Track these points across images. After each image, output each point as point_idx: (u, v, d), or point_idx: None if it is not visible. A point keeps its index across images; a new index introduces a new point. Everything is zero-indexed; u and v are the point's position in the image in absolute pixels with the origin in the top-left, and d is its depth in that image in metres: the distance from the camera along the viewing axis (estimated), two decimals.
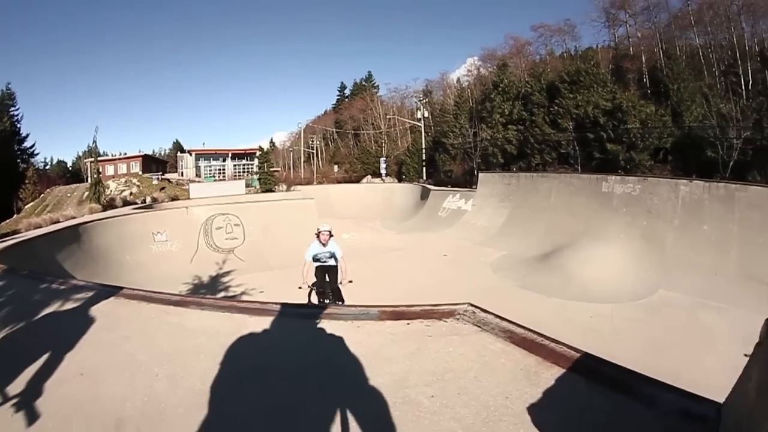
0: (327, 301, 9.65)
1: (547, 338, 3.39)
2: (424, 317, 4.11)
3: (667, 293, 12.15)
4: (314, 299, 10.05)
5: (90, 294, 5.82)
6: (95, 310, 5.14)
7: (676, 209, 14.96)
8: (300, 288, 9.43)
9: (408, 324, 4.01)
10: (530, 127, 36.10)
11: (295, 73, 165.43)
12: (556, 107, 34.72)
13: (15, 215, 43.93)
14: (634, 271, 13.62)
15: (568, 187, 19.01)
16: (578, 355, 3.07)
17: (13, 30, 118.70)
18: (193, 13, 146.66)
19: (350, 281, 9.89)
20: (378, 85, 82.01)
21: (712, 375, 6.14)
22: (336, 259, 9.95)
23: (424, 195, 28.54)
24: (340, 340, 3.78)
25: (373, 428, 2.57)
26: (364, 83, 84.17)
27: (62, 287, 6.41)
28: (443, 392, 2.84)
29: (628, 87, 35.93)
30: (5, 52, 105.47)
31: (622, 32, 45.97)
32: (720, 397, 2.25)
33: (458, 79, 62.78)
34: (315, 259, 9.87)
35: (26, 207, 48.11)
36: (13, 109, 54.64)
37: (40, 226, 19.19)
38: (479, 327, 3.78)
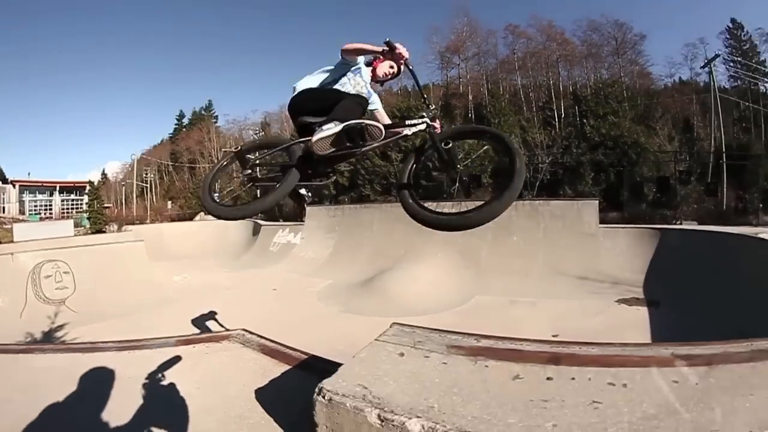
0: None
1: (289, 347, 5.11)
2: (207, 341, 5.45)
3: (482, 297, 13.24)
4: None
5: None
6: None
7: (488, 226, 16.14)
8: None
9: (194, 347, 5.21)
10: (361, 159, 37.06)
11: (132, 98, 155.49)
12: None
13: None
14: (452, 283, 14.66)
15: (388, 215, 19.79)
16: (305, 357, 4.70)
17: None
18: (18, 34, 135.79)
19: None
20: (217, 116, 79.96)
21: None
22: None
23: (256, 230, 28.37)
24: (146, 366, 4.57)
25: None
26: (203, 112, 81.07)
27: None
28: (204, 384, 4.07)
29: (454, 121, 38.57)
30: None
31: (454, 73, 49.56)
32: None
33: None
34: None
35: None
36: None
37: None
38: (243, 345, 5.21)
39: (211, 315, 13.96)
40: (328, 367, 3.32)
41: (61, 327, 15.02)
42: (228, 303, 15.72)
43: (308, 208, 24.30)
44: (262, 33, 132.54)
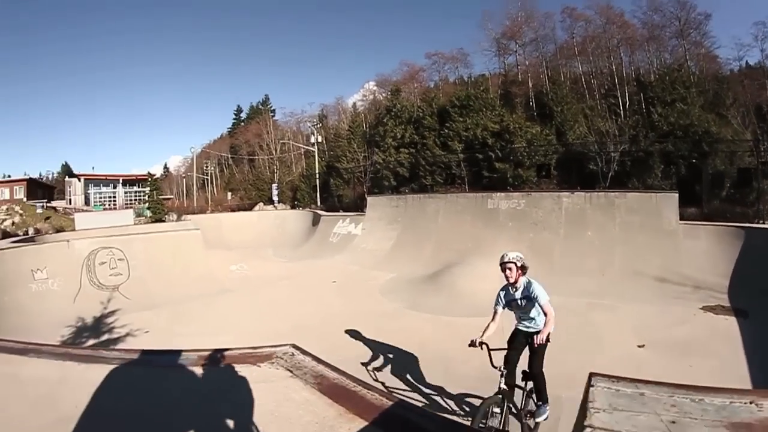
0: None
1: (362, 383, 3.31)
2: (240, 362, 3.94)
3: (556, 298, 12.21)
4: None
5: None
6: None
7: (560, 220, 15.87)
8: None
9: (221, 368, 3.91)
10: (422, 149, 36.74)
11: (191, 95, 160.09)
12: (446, 130, 35.64)
13: None
14: None
15: (454, 206, 19.40)
16: (389, 404, 2.96)
17: None
18: (85, 32, 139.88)
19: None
20: (274, 109, 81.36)
21: (609, 369, 6.29)
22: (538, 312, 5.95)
23: (316, 221, 27.98)
24: (150, 388, 3.69)
25: None
26: (260, 107, 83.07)
27: None
28: None
29: (515, 110, 37.52)
30: None
31: (512, 60, 47.94)
32: None
33: (354, 104, 63.38)
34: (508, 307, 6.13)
35: None
36: None
37: None
38: (291, 372, 3.63)
39: (264, 309, 14.12)
40: (426, 424, 2.61)
41: (112, 313, 15.40)
42: (285, 295, 15.95)
43: (369, 198, 24.01)
44: (315, 27, 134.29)
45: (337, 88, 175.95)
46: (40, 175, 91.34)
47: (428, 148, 36.24)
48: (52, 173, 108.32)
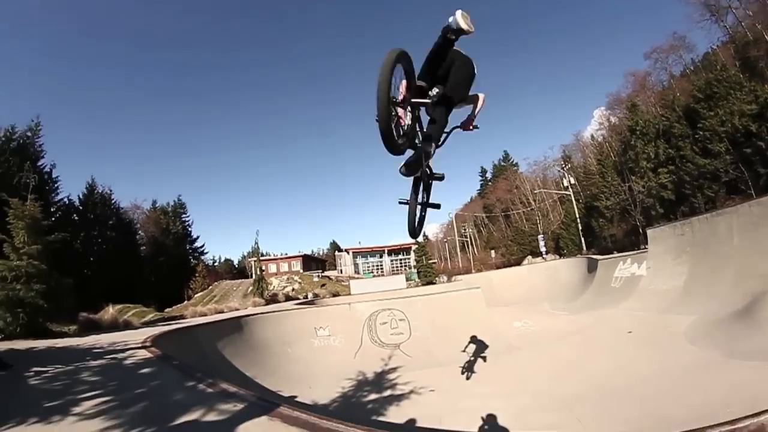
0: None
1: None
2: None
3: None
4: None
5: (239, 407, 4.75)
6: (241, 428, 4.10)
7: None
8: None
9: None
10: (681, 164, 32.76)
11: (436, 164, 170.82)
12: (700, 132, 31.37)
13: (185, 302, 51.47)
14: None
15: (749, 218, 15.33)
16: None
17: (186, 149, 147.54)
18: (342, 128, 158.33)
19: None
20: (517, 163, 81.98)
21: None
22: None
23: (592, 267, 25.80)
24: None
25: None
26: (503, 163, 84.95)
27: (209, 390, 5.63)
28: None
29: (765, 77, 31.13)
30: (178, 169, 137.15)
31: (732, 20, 40.88)
32: None
33: (592, 136, 61.13)
34: None
35: (196, 296, 56.10)
36: (184, 216, 72.81)
37: (205, 314, 20.31)
38: None
39: (558, 367, 12.82)
40: None
41: (394, 369, 15.54)
42: (577, 351, 14.32)
43: (650, 231, 20.84)
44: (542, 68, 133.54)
45: (571, 124, 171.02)
46: (312, 251, 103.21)
47: (687, 160, 32.35)
48: (322, 249, 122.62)
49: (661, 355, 11.36)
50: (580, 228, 41.81)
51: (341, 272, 69.57)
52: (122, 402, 5.16)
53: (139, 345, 9.97)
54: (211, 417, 4.36)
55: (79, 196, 58.20)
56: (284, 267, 73.25)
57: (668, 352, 11.54)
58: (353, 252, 73.77)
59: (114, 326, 15.36)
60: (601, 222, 40.42)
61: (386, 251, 72.29)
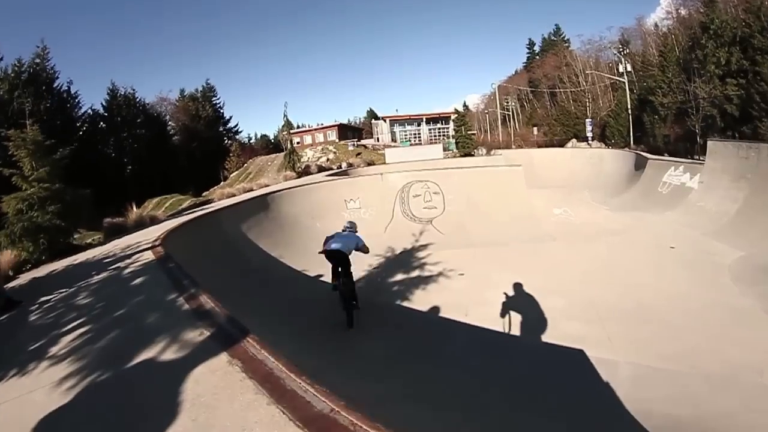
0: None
1: None
2: None
3: None
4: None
5: (205, 334, 4.10)
6: (193, 376, 3.34)
7: None
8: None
9: None
10: (754, 81, 29.05)
11: (482, 33, 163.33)
12: None
13: (222, 182, 52.30)
14: None
15: None
16: None
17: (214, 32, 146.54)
18: None
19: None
20: (568, 39, 76.84)
21: None
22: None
23: (639, 164, 23.87)
24: None
25: None
26: (553, 38, 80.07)
27: (186, 306, 5.10)
28: None
29: None
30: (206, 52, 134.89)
31: None
32: None
33: (656, 24, 55.74)
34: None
35: (231, 176, 56.76)
36: (215, 99, 75.41)
37: (233, 195, 19.75)
38: None
39: (596, 271, 11.80)
40: None
41: (425, 246, 15.35)
42: (617, 256, 13.20)
43: (710, 143, 18.48)
44: None
45: (634, 7, 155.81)
46: (349, 120, 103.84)
47: (762, 78, 28.61)
48: (359, 118, 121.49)
49: (702, 288, 10.13)
50: (631, 119, 39.36)
51: (378, 140, 68.41)
52: (96, 334, 4.77)
53: (150, 245, 9.88)
54: (169, 355, 3.80)
55: (102, 103, 59.11)
56: (320, 137, 73.05)
57: (710, 285, 10.27)
58: (390, 120, 71.91)
59: (140, 224, 15.19)
60: (655, 119, 37.45)
61: (424, 119, 70.39)
